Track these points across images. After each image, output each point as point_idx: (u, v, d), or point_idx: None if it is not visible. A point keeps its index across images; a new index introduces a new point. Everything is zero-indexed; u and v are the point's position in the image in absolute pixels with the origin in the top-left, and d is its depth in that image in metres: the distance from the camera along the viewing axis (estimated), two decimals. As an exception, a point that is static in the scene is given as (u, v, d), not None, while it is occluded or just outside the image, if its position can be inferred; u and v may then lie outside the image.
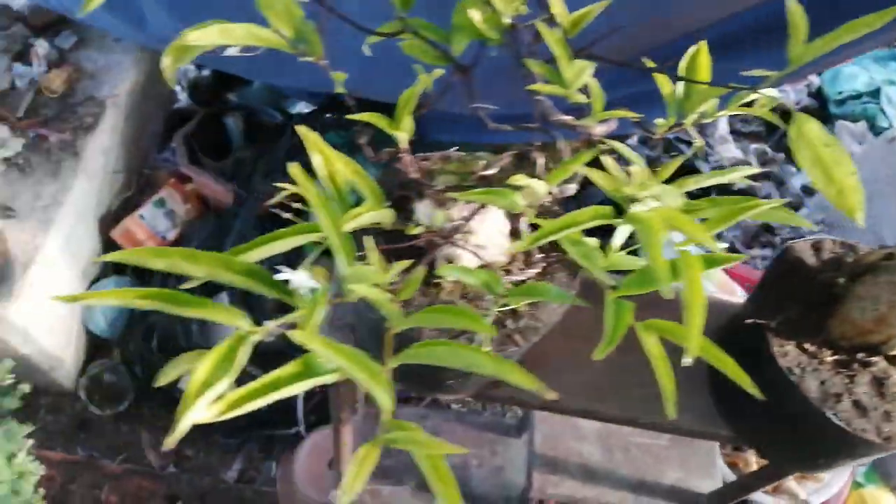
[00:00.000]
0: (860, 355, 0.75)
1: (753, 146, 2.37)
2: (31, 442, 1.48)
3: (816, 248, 0.80)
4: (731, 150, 2.25)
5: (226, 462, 1.94)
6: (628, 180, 0.45)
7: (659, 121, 0.60)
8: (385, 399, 0.43)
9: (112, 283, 1.95)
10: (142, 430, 1.96)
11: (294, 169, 0.42)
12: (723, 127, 2.33)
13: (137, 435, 1.96)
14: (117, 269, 2.03)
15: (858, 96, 2.33)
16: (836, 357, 0.75)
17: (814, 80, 2.49)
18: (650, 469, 1.21)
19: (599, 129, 0.49)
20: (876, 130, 2.27)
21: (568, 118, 0.50)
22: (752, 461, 1.67)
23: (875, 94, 2.32)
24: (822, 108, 2.48)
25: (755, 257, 2.17)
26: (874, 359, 0.75)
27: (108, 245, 2.02)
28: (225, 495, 1.83)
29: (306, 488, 1.65)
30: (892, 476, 1.86)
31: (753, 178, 2.22)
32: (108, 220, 2.01)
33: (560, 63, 0.46)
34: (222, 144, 2.13)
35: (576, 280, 0.73)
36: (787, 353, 0.75)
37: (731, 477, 1.57)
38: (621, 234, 0.51)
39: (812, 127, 0.48)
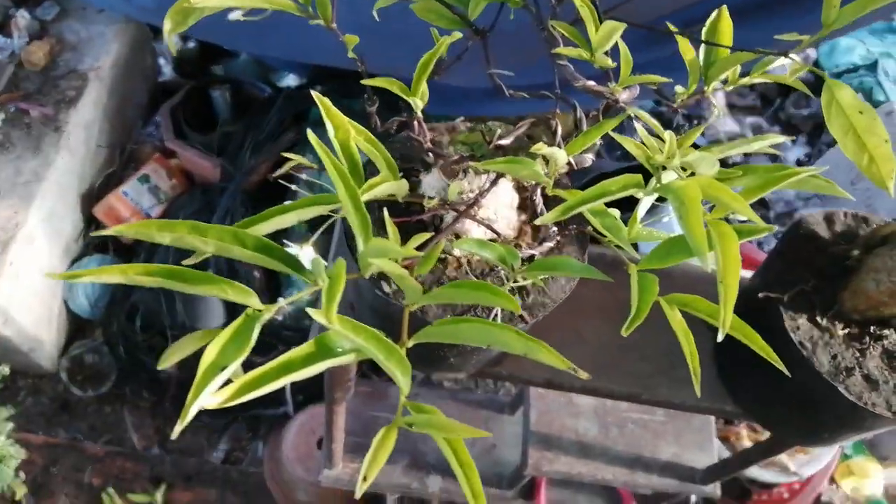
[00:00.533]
0: (872, 328, 0.74)
1: (749, 119, 2.36)
2: (10, 425, 1.45)
3: (829, 220, 0.78)
4: (727, 124, 2.24)
5: (212, 443, 1.91)
6: (659, 148, 0.43)
7: (679, 88, 0.57)
8: (403, 380, 0.40)
9: (95, 262, 1.91)
10: (125, 412, 1.93)
11: (313, 138, 0.39)
12: (720, 100, 2.32)
13: (120, 416, 1.93)
14: (100, 247, 1.98)
15: (855, 69, 2.31)
16: (847, 330, 0.74)
17: (811, 53, 2.47)
18: (646, 445, 1.21)
19: (625, 96, 0.47)
20: (873, 104, 2.25)
21: (592, 83, 0.47)
22: (744, 435, 1.68)
23: (872, 67, 2.30)
24: (818, 82, 2.46)
25: (748, 232, 2.16)
26: (886, 332, 0.74)
27: (91, 222, 1.97)
28: (211, 476, 1.81)
29: (294, 468, 1.63)
30: (879, 447, 1.89)
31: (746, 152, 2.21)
32: (91, 197, 1.97)
33: (587, 25, 0.44)
34: (209, 118, 2.08)
35: (584, 255, 0.71)
36: (798, 327, 0.74)
37: (724, 451, 1.57)
38: (645, 204, 0.48)
39: (846, 93, 0.47)
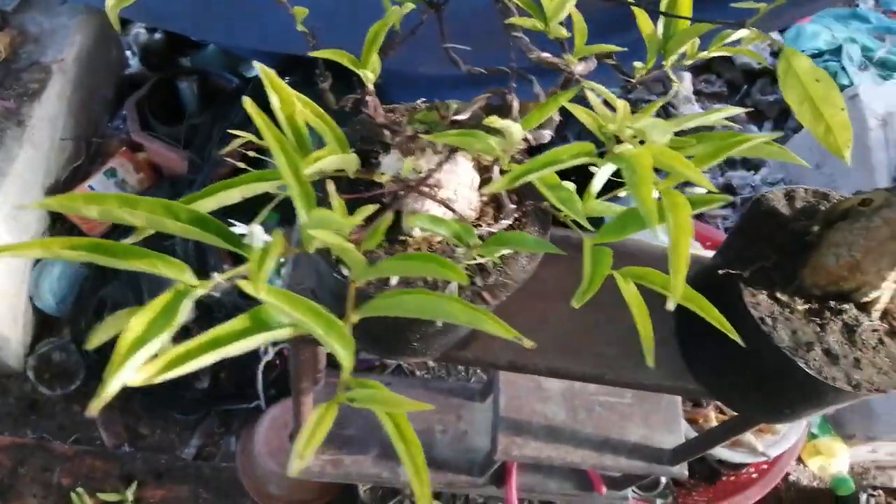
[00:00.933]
0: (832, 303, 0.74)
1: (716, 106, 2.38)
2: (-24, 426, 1.42)
3: (790, 197, 0.78)
4: (694, 111, 2.26)
5: (183, 439, 1.88)
6: (612, 117, 0.42)
7: (637, 64, 0.57)
8: (345, 355, 0.39)
9: (62, 261, 1.87)
10: (94, 410, 1.90)
11: (250, 107, 0.38)
12: (686, 86, 2.33)
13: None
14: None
15: (820, 55, 2.34)
16: (807, 306, 0.74)
17: (776, 38, 2.49)
18: (614, 427, 1.21)
19: (581, 68, 0.46)
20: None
21: (546, 55, 0.46)
22: (712, 416, 1.69)
23: (836, 52, 2.33)
24: (784, 68, 2.50)
25: (715, 217, 2.18)
26: (845, 306, 0.74)
27: (57, 218, 1.93)
28: (182, 473, 1.78)
29: (267, 462, 1.62)
30: (845, 426, 1.91)
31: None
32: (57, 192, 1.92)
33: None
34: (176, 110, 2.05)
35: (546, 235, 0.70)
36: (759, 304, 0.73)
37: (692, 433, 1.58)
38: (602, 176, 0.48)
39: (802, 61, 0.46)
